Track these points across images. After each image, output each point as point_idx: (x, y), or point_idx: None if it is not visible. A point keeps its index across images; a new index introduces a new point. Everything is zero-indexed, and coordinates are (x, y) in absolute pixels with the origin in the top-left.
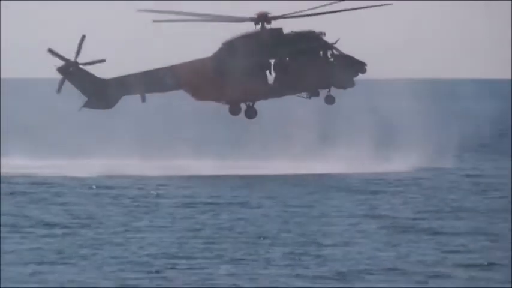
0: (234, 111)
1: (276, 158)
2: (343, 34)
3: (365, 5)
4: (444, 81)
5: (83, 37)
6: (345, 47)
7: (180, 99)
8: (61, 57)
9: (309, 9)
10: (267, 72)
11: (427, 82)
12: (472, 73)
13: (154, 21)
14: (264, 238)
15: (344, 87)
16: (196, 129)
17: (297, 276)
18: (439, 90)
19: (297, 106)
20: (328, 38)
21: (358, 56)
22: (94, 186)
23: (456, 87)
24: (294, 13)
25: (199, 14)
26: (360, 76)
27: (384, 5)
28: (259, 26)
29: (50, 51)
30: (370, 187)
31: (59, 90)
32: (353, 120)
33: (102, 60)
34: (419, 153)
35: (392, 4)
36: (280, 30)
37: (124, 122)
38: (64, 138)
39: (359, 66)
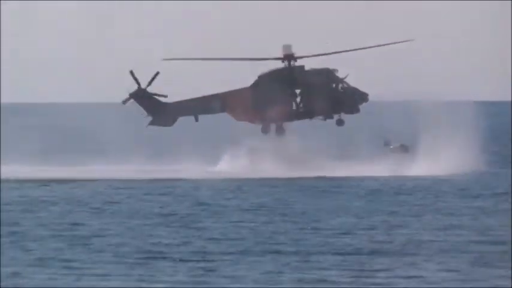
0: (265, 130)
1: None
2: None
3: (385, 43)
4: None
5: (157, 73)
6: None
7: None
8: (137, 81)
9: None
10: (292, 100)
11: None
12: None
13: (164, 59)
14: None
15: (351, 113)
16: None
17: None
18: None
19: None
20: (340, 74)
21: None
22: None
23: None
24: (315, 54)
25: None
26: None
27: (405, 41)
28: (285, 63)
29: (131, 72)
30: None
31: (124, 102)
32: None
33: (165, 96)
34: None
35: (413, 40)
36: (302, 67)
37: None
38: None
39: (363, 96)
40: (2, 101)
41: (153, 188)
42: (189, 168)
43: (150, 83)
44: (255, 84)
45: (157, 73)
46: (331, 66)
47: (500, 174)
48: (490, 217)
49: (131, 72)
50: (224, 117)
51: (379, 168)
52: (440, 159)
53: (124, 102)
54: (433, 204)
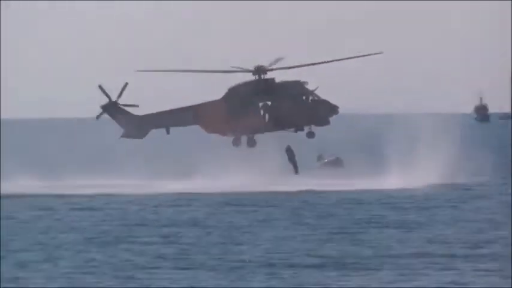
0: (236, 142)
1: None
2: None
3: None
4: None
5: (126, 84)
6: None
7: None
8: (106, 95)
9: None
10: (262, 113)
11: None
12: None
13: (137, 70)
14: None
15: (322, 125)
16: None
17: None
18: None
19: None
20: (310, 86)
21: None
22: None
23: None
24: (285, 66)
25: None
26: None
27: (374, 54)
28: (255, 76)
29: (100, 87)
30: None
31: (97, 117)
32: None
33: (136, 105)
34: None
35: (382, 53)
36: (273, 79)
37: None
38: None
39: (333, 109)
40: None
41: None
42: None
43: (120, 95)
44: (226, 97)
45: (126, 84)
46: (301, 79)
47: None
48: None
49: (100, 87)
50: (196, 130)
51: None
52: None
53: (97, 117)
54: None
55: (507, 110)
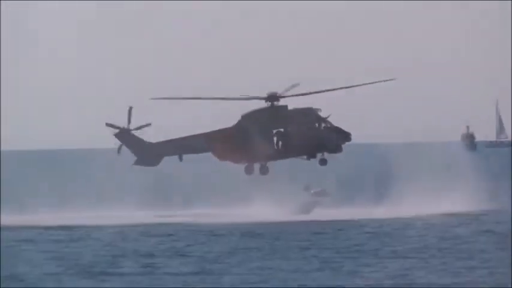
0: (249, 170)
1: None
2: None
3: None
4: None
5: (131, 108)
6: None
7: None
8: (117, 127)
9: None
10: (275, 140)
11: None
12: None
13: (151, 98)
14: None
15: (334, 152)
16: None
17: None
18: None
19: None
20: (323, 113)
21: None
22: None
23: None
24: (298, 93)
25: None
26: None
27: (387, 80)
28: (268, 103)
29: (108, 124)
30: None
31: (118, 151)
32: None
33: (148, 124)
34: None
35: (395, 80)
36: (285, 107)
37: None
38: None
39: (346, 136)
40: None
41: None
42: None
43: (129, 121)
44: (238, 124)
45: (131, 108)
46: (314, 106)
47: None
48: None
49: (108, 124)
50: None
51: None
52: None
53: (118, 150)
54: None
55: (492, 138)
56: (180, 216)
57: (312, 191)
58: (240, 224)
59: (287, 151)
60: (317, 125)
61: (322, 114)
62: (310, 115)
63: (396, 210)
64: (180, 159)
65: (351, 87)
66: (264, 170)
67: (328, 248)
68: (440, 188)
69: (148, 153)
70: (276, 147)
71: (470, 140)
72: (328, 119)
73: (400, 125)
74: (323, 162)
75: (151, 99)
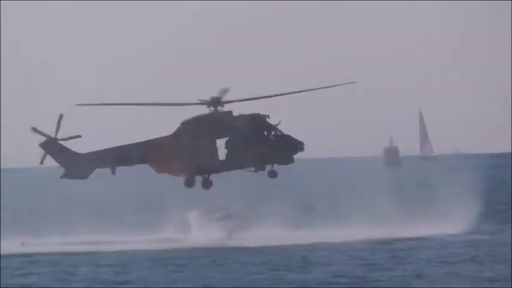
0: (189, 183)
1: None
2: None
3: (327, 85)
4: None
5: (61, 116)
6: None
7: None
8: (43, 134)
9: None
10: (219, 150)
11: None
12: None
13: (77, 104)
14: None
15: (285, 163)
16: None
17: None
18: None
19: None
20: (272, 120)
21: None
22: None
23: None
24: (244, 98)
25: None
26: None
27: (347, 83)
28: (211, 108)
29: (33, 129)
30: None
31: (41, 162)
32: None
33: (79, 136)
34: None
35: (355, 83)
36: (230, 112)
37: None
38: None
39: (298, 145)
40: None
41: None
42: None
43: (57, 130)
44: (177, 132)
45: (61, 116)
46: (262, 112)
47: None
48: None
49: (34, 129)
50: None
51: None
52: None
53: (41, 161)
54: None
55: (416, 152)
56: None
57: (216, 215)
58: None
59: (232, 162)
60: (266, 133)
61: (271, 121)
62: (258, 122)
63: None
64: (113, 172)
65: (306, 90)
66: (206, 184)
67: None
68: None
69: (77, 165)
70: (219, 158)
71: (393, 154)
72: (278, 127)
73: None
74: (272, 174)
75: (77, 105)
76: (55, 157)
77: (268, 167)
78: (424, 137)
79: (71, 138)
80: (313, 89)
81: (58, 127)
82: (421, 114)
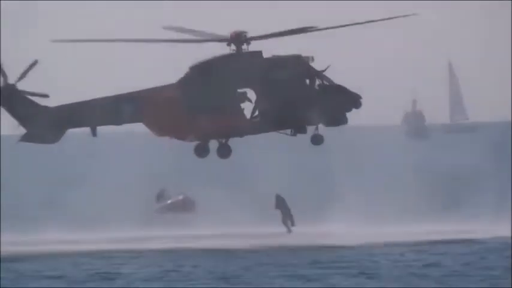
0: (201, 151)
1: None
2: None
3: (385, 17)
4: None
5: (35, 62)
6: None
7: None
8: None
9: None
10: (242, 104)
11: None
12: None
13: (53, 40)
14: None
15: (335, 125)
16: None
17: None
18: None
19: None
20: (318, 64)
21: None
22: None
23: None
24: (277, 33)
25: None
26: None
27: (407, 15)
28: (233, 48)
29: None
30: None
31: None
32: None
33: (46, 95)
34: None
35: (417, 15)
36: (259, 53)
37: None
38: None
39: (353, 100)
40: None
41: None
42: None
43: (22, 77)
44: (185, 80)
45: (35, 62)
46: (303, 53)
47: None
48: None
49: (32, 64)
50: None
51: None
52: None
53: None
54: None
55: (445, 120)
56: None
57: (168, 201)
58: None
59: (262, 122)
60: (308, 81)
61: (317, 65)
62: (298, 66)
63: None
64: (93, 133)
65: (355, 24)
66: (223, 151)
67: None
68: None
69: (44, 123)
70: (243, 115)
71: (417, 122)
72: (326, 73)
73: None
74: (317, 139)
75: (53, 41)
76: (12, 111)
77: (311, 129)
78: (456, 98)
79: (34, 94)
80: (371, 21)
81: (25, 73)
82: (450, 66)
